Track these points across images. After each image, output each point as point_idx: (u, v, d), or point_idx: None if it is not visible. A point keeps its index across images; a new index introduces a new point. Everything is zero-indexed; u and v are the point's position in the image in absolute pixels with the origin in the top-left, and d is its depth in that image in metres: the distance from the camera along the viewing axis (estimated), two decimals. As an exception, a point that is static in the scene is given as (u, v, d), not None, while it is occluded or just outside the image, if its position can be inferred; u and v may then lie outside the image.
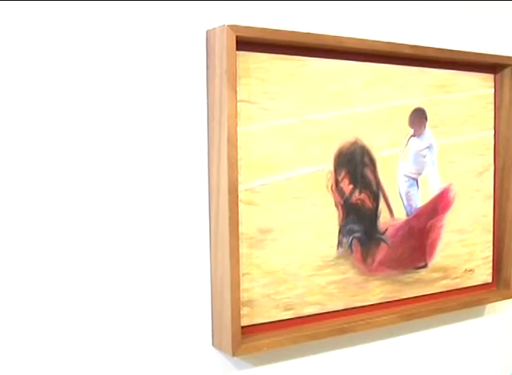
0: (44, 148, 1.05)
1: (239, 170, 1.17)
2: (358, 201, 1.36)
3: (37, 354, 1.06)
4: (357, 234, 1.36)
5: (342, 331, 1.33)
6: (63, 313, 1.08)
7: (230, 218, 1.15)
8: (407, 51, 1.39)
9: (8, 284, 1.03)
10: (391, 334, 1.48)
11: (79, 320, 1.09)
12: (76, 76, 1.07)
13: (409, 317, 1.44)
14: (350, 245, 1.35)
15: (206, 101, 1.19)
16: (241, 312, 1.19)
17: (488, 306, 1.68)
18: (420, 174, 1.47)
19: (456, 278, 1.55)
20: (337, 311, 1.35)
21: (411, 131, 1.44)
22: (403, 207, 1.44)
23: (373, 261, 1.39)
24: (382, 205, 1.40)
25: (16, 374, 1.04)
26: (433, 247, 1.50)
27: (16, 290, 1.04)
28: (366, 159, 1.37)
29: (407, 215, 1.45)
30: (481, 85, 1.56)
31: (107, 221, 1.11)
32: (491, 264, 1.62)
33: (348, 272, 1.36)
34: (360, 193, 1.36)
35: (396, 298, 1.44)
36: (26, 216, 1.04)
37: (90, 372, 1.11)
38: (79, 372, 1.09)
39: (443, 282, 1.53)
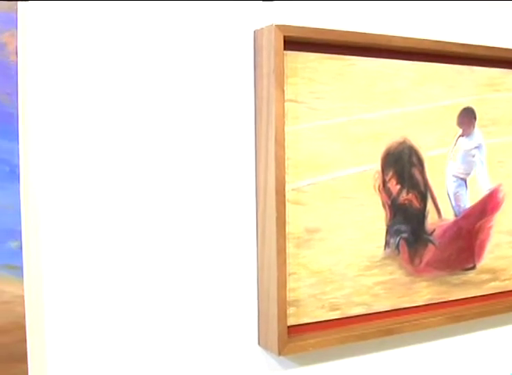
0: (97, 148, 1.07)
1: (286, 170, 1.16)
2: (406, 202, 1.34)
3: (88, 349, 1.08)
4: (405, 235, 1.34)
5: (388, 332, 1.31)
6: (109, 312, 1.09)
7: (277, 218, 1.15)
8: (456, 49, 1.37)
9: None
10: (438, 336, 1.45)
11: (127, 318, 1.10)
12: (124, 76, 1.09)
13: (456, 319, 1.41)
14: (398, 246, 1.34)
15: (254, 100, 1.19)
16: (287, 311, 1.19)
17: (538, 309, 1.64)
18: (468, 174, 1.44)
19: (505, 280, 1.51)
20: (384, 312, 1.33)
21: (460, 131, 1.42)
22: (451, 207, 1.41)
23: (420, 262, 1.37)
24: (429, 205, 1.38)
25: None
26: (482, 248, 1.47)
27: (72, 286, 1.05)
28: (414, 159, 1.35)
29: (456, 215, 1.42)
30: (532, 84, 1.53)
31: (154, 220, 1.12)
32: (541, 266, 1.58)
33: (395, 272, 1.34)
34: (407, 193, 1.34)
35: (444, 300, 1.42)
36: (77, 211, 1.06)
37: (140, 369, 1.12)
38: (128, 368, 1.11)
39: (492, 284, 1.49)
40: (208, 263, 1.17)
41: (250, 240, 1.20)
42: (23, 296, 0.99)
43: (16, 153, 0.98)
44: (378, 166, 1.30)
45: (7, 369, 0.98)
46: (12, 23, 0.98)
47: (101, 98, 1.07)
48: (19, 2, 0.98)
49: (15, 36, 0.98)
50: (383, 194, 1.31)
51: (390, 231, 1.33)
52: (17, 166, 0.98)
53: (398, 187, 1.33)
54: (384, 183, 1.31)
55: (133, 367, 1.11)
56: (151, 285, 1.12)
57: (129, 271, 1.10)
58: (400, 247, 1.34)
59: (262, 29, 1.16)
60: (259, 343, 1.22)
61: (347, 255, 1.27)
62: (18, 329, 0.99)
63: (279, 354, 1.18)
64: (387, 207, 1.32)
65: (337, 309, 1.27)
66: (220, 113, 1.16)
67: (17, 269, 0.98)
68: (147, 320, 1.12)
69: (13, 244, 0.98)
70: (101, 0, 1.05)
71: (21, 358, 0.99)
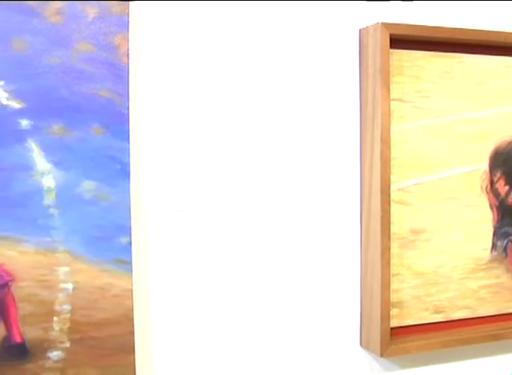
0: (199, 149, 1.07)
1: (391, 169, 1.13)
2: (515, 203, 1.28)
3: (197, 349, 1.08)
4: (513, 237, 1.28)
5: (494, 337, 1.25)
6: (212, 308, 1.09)
7: (382, 217, 1.12)
8: None
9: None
10: (546, 343, 1.38)
11: (230, 315, 1.10)
12: (233, 77, 1.08)
13: None
14: (505, 249, 1.27)
15: (359, 99, 1.16)
16: (390, 312, 1.15)
17: None
18: None
19: None
20: (489, 316, 1.27)
21: None
22: (562, 210, 1.33)
23: (529, 266, 1.30)
24: (539, 207, 1.30)
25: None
26: None
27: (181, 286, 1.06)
28: (524, 159, 1.28)
29: None
30: None
31: (260, 220, 1.11)
32: None
33: (502, 276, 1.27)
34: (516, 194, 1.28)
35: (554, 306, 1.34)
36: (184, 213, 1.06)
37: (242, 367, 1.11)
38: (230, 364, 1.10)
39: None
40: (311, 262, 1.15)
41: (354, 239, 1.17)
42: (131, 290, 1.00)
43: (126, 152, 0.99)
44: (485, 166, 1.24)
45: (116, 360, 1.00)
46: (124, 25, 0.99)
47: (208, 98, 1.07)
48: (130, 4, 0.99)
49: (126, 38, 0.99)
50: (491, 195, 1.25)
51: (497, 233, 1.26)
52: (127, 164, 0.99)
53: (506, 187, 1.26)
54: (492, 183, 1.25)
55: (235, 364, 1.11)
56: (256, 284, 1.11)
57: (234, 269, 1.10)
58: (508, 250, 1.27)
59: (368, 27, 1.13)
60: (361, 344, 1.19)
61: (452, 257, 1.22)
62: (126, 321, 1.00)
63: (381, 355, 1.15)
64: (494, 208, 1.26)
65: (441, 312, 1.22)
66: (326, 112, 1.14)
67: (127, 264, 0.99)
68: (250, 319, 1.11)
69: (123, 240, 0.99)
70: (210, 0, 1.05)
71: (129, 349, 1.01)
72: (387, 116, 1.11)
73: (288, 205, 1.13)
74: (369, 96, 1.13)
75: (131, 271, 1.00)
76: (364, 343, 1.18)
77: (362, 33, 1.15)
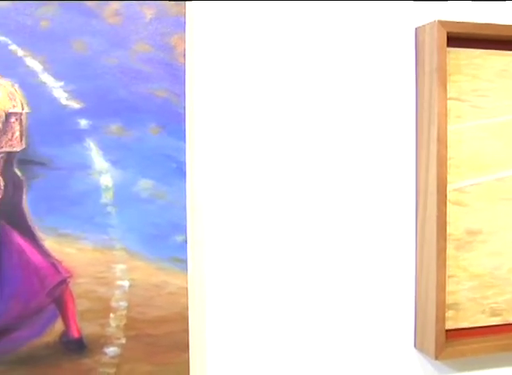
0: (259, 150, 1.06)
1: (448, 169, 1.11)
2: None
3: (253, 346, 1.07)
4: None
5: (552, 342, 1.21)
6: (265, 308, 1.08)
7: (438, 218, 1.09)
8: None
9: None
10: None
11: (283, 315, 1.09)
12: (288, 77, 1.08)
13: None
14: None
15: (415, 98, 1.14)
16: (446, 314, 1.13)
17: None
18: None
19: None
20: (547, 320, 1.24)
21: None
22: None
23: None
24: None
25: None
26: None
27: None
28: None
29: None
30: None
31: (314, 221, 1.10)
32: None
33: (560, 279, 1.23)
34: None
35: None
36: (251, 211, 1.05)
37: (295, 367, 1.10)
38: (283, 364, 1.09)
39: None
40: (367, 263, 1.13)
41: (410, 240, 1.15)
42: (186, 288, 1.00)
43: (182, 151, 0.99)
44: (544, 166, 1.21)
45: (170, 357, 1.00)
46: (181, 26, 0.99)
47: (264, 97, 1.06)
48: (187, 4, 0.99)
49: (183, 39, 0.99)
50: (549, 196, 1.21)
51: (556, 235, 1.22)
52: (183, 163, 0.99)
53: None
54: (550, 184, 1.21)
55: (288, 362, 1.10)
56: (309, 285, 1.10)
57: (289, 269, 1.09)
58: None
59: (424, 26, 1.11)
60: (415, 345, 1.17)
61: (509, 258, 1.19)
62: (181, 319, 1.00)
63: (436, 358, 1.12)
64: (553, 210, 1.22)
65: (498, 315, 1.19)
66: (381, 111, 1.13)
67: (182, 262, 1.00)
68: (305, 319, 1.10)
69: (179, 238, 0.99)
70: (266, 0, 1.05)
71: (183, 347, 1.01)
72: (444, 115, 1.09)
73: (343, 206, 1.11)
74: (425, 95, 1.11)
75: (186, 269, 1.00)
76: (419, 345, 1.16)
77: (418, 31, 1.13)
